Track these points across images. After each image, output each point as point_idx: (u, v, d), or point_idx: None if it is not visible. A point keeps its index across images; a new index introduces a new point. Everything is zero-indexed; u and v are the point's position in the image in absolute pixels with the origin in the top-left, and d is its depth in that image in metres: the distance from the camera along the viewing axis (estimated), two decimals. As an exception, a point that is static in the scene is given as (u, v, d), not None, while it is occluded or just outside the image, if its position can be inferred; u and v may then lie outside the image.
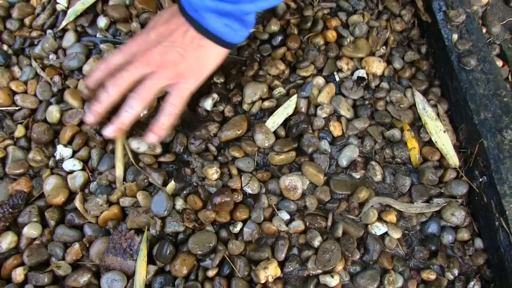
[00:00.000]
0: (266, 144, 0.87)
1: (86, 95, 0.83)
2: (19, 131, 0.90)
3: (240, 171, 0.87)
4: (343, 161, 0.88)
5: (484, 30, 1.07)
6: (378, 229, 0.83)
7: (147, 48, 0.76)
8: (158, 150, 0.87)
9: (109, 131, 0.77)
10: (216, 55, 0.80)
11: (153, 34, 0.77)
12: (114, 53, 0.79)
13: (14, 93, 0.94)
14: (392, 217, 0.84)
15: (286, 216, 0.84)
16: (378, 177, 0.88)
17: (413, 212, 0.85)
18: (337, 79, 0.96)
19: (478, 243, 0.84)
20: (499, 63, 1.03)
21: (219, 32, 0.76)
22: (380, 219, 0.85)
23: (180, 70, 0.77)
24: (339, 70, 0.96)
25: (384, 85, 0.96)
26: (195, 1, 0.73)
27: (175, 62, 0.76)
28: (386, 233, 0.84)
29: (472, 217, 0.86)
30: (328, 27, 1.01)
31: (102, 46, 0.96)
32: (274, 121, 0.89)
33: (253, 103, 0.92)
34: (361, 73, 0.95)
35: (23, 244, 0.81)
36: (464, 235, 0.84)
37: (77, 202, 0.82)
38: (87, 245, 0.80)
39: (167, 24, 0.77)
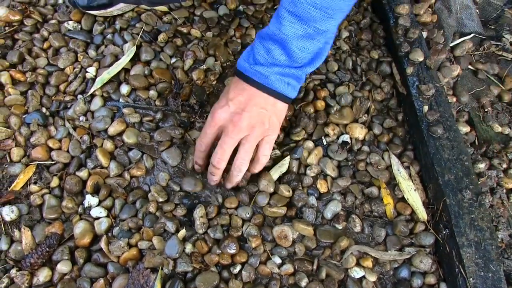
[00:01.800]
0: (270, 189, 1.08)
1: (199, 170, 1.09)
2: (54, 182, 1.09)
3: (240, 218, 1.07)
4: (328, 214, 1.07)
5: (454, 99, 1.28)
6: (357, 273, 1.01)
7: (234, 118, 0.95)
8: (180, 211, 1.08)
9: (229, 186, 1.07)
10: (284, 109, 1.02)
11: (233, 105, 0.95)
12: (204, 133, 1.00)
13: (51, 149, 1.13)
14: (369, 263, 1.03)
15: (278, 260, 1.02)
16: (358, 228, 1.07)
17: (387, 259, 1.03)
18: (325, 143, 1.17)
19: (443, 287, 1.02)
20: (467, 129, 1.23)
21: (282, 90, 0.96)
22: (358, 264, 1.03)
23: (266, 127, 0.98)
24: (327, 135, 1.17)
25: (365, 148, 1.16)
26: (264, 71, 0.94)
27: (262, 121, 0.96)
28: (363, 277, 1.02)
29: (438, 264, 1.05)
30: (318, 97, 1.22)
31: (124, 110, 1.17)
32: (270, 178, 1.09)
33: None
34: (345, 138, 1.16)
35: (56, 278, 0.99)
36: (431, 279, 1.02)
37: (103, 244, 1.01)
38: (110, 281, 0.98)
39: (240, 94, 0.95)
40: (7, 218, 1.04)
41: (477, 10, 1.44)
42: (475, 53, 1.42)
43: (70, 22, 1.32)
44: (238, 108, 0.95)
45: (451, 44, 1.38)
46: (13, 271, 0.98)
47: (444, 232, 1.03)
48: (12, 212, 1.04)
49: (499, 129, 1.25)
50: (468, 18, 1.40)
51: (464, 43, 1.38)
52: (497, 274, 0.95)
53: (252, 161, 1.04)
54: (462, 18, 1.40)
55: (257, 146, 1.01)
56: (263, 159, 1.03)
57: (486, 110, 1.29)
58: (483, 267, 0.96)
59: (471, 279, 0.95)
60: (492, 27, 1.47)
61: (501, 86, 1.35)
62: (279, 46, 0.92)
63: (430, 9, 1.37)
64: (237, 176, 1.02)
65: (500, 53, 1.43)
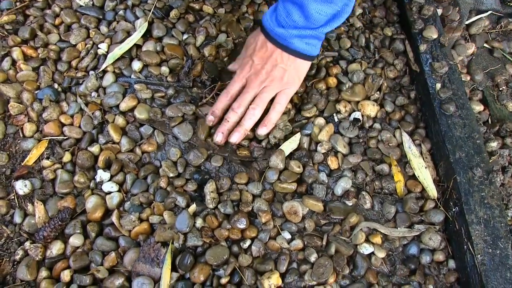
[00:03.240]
0: (280, 166, 1.10)
1: (211, 121, 1.12)
2: (66, 157, 1.12)
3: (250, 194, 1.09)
4: (338, 191, 1.09)
5: (468, 78, 1.28)
6: (366, 249, 1.03)
7: (256, 71, 1.10)
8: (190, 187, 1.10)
9: (236, 138, 1.10)
10: (306, 66, 1.15)
11: (256, 59, 1.11)
12: (231, 83, 1.12)
13: (63, 125, 1.16)
14: (378, 240, 1.05)
15: (288, 236, 1.04)
16: (368, 205, 1.08)
17: (396, 235, 1.05)
18: (336, 119, 1.18)
19: (451, 263, 1.04)
20: (481, 107, 1.24)
21: (303, 50, 1.09)
22: (367, 240, 1.05)
23: (285, 81, 1.11)
24: (338, 112, 1.18)
25: (377, 126, 1.17)
26: (283, 33, 1.05)
27: (281, 77, 1.10)
28: (372, 253, 1.04)
29: (447, 242, 1.06)
30: (330, 74, 1.23)
31: (136, 86, 1.19)
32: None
33: (277, 128, 1.14)
34: (357, 115, 1.17)
35: (69, 251, 1.02)
36: (440, 256, 1.04)
37: (114, 218, 1.04)
38: (122, 254, 1.01)
39: (263, 50, 1.10)
40: (21, 192, 1.07)
41: (494, -13, 1.43)
42: (492, 31, 1.41)
43: (82, -2, 1.34)
44: (261, 62, 1.10)
45: (467, 22, 1.37)
46: (27, 244, 1.02)
47: (454, 210, 1.05)
48: (25, 186, 1.07)
49: (513, 108, 1.25)
50: (485, -6, 1.40)
51: (480, 21, 1.37)
52: (505, 251, 0.97)
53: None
54: (479, -6, 1.39)
55: (275, 97, 1.12)
56: (278, 108, 1.12)
57: (500, 89, 1.29)
58: (491, 244, 0.98)
59: (479, 256, 0.97)
60: (511, 4, 1.46)
61: (517, 64, 1.35)
62: (298, 8, 1.00)
63: (445, -15, 1.36)
64: (249, 120, 1.09)
65: (517, 30, 1.42)
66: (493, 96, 1.28)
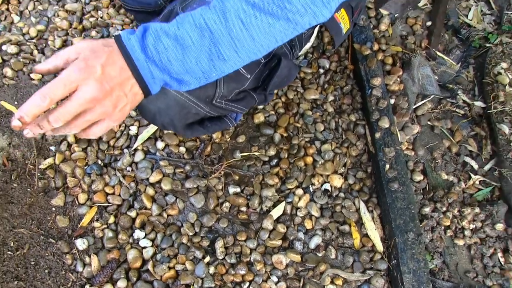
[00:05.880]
0: (270, 227, 1.55)
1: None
2: (111, 219, 1.56)
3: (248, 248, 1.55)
4: (312, 245, 1.56)
5: (413, 153, 1.76)
6: (331, 289, 1.51)
7: (104, 96, 0.83)
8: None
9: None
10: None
11: (107, 83, 0.83)
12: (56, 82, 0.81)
13: (107, 194, 1.60)
14: (339, 282, 1.52)
15: (275, 279, 1.51)
16: (333, 256, 1.55)
17: (353, 279, 1.52)
18: (311, 190, 1.65)
19: (391, 300, 1.53)
20: (421, 177, 1.71)
21: (154, 90, 0.90)
22: (332, 282, 1.52)
23: (117, 117, 0.88)
24: (313, 184, 1.65)
25: (341, 195, 1.64)
26: (157, 73, 0.87)
27: (120, 109, 0.87)
28: (335, 292, 1.52)
29: (390, 284, 1.54)
30: (307, 153, 1.69)
31: (161, 162, 1.64)
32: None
33: (267, 198, 1.60)
34: (327, 186, 1.64)
35: (117, 292, 1.48)
36: (384, 294, 1.53)
37: (150, 267, 1.49)
38: (156, 294, 1.48)
39: (119, 71, 0.84)
40: (81, 248, 1.52)
41: (435, 77, 1.90)
42: (434, 110, 1.88)
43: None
44: (110, 88, 0.84)
45: (414, 106, 1.84)
46: (87, 287, 1.46)
47: (393, 261, 1.52)
48: (84, 243, 1.52)
49: (445, 176, 1.73)
50: (429, 84, 1.86)
51: (424, 105, 1.84)
52: (426, 294, 1.46)
53: None
54: (424, 83, 1.86)
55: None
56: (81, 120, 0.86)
57: (437, 161, 1.76)
58: (417, 288, 1.46)
59: (409, 297, 1.45)
60: (449, 87, 1.93)
61: (452, 139, 1.82)
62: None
63: (398, 79, 1.83)
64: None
65: (454, 109, 1.89)
66: (431, 167, 1.75)
